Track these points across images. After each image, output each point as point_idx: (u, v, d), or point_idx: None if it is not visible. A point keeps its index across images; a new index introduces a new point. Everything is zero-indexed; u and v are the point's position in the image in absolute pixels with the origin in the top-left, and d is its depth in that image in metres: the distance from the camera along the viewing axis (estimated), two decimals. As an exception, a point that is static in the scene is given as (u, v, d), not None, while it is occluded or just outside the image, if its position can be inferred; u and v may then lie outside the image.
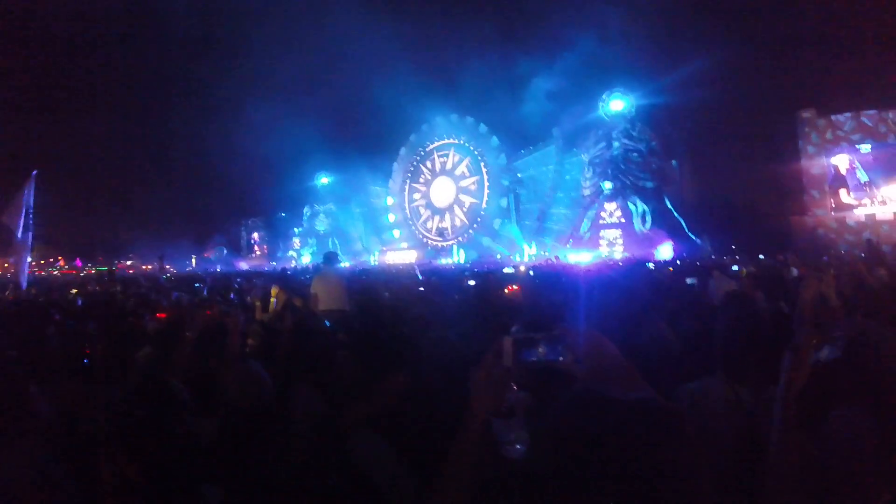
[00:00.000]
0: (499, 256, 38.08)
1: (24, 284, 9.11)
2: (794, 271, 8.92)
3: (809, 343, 1.98)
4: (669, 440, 1.00)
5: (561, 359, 1.32)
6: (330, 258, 7.97)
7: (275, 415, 2.92)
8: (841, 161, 32.46)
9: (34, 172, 9.37)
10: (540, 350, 1.34)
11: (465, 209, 47.51)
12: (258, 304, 7.10)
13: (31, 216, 9.43)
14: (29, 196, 9.33)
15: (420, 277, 11.99)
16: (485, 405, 1.38)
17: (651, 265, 16.20)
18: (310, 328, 4.60)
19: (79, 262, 62.74)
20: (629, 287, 5.33)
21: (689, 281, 9.69)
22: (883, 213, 30.22)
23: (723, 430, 2.35)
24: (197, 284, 13.79)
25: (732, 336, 2.57)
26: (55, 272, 55.53)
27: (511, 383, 1.36)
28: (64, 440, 2.59)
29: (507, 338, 1.38)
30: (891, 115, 30.66)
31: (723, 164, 35.40)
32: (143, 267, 60.85)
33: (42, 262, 61.16)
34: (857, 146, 31.92)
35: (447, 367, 2.34)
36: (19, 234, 9.37)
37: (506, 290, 7.25)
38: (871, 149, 31.68)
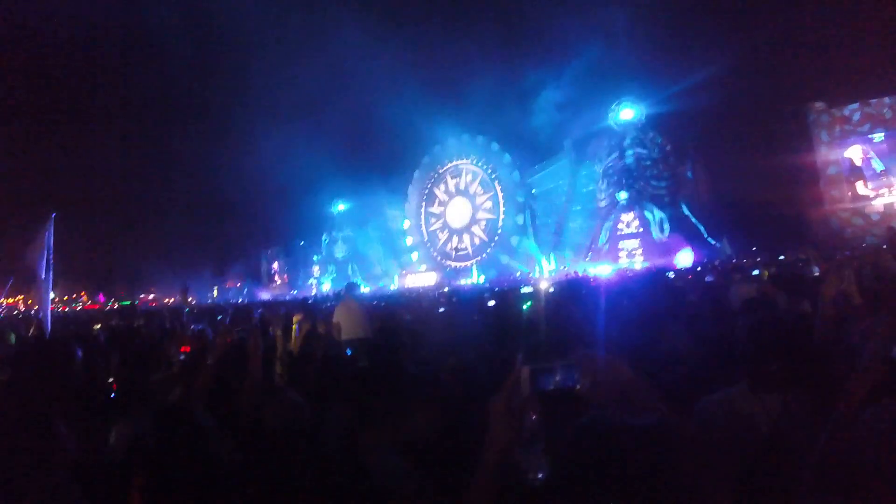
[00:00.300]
0: (518, 273, 37.97)
1: (49, 327, 9.21)
2: (816, 270, 8.84)
3: (876, 360, 1.99)
4: (680, 463, 1.03)
5: (578, 386, 1.35)
6: (351, 287, 8.05)
7: (310, 440, 2.97)
8: (855, 152, 32.10)
9: (53, 214, 9.55)
10: (556, 378, 1.37)
11: (482, 228, 47.52)
12: (279, 333, 7.13)
13: (51, 257, 9.61)
14: (49, 237, 9.51)
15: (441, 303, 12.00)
16: (504, 434, 1.41)
17: (671, 274, 16.15)
18: (336, 356, 4.68)
19: (101, 297, 63.32)
20: (647, 299, 5.35)
21: (707, 279, 9.65)
22: (901, 202, 29.83)
23: (746, 441, 2.35)
24: (219, 316, 13.89)
25: (753, 345, 2.57)
26: (78, 307, 56.04)
27: (530, 412, 1.39)
28: (92, 475, 2.64)
29: (525, 367, 1.41)
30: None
31: (736, 165, 35.21)
32: (166, 299, 61.35)
33: (65, 297, 61.76)
34: (869, 136, 31.61)
35: (468, 394, 2.38)
36: (42, 275, 9.53)
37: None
38: (885, 137, 31.37)
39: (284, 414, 3.24)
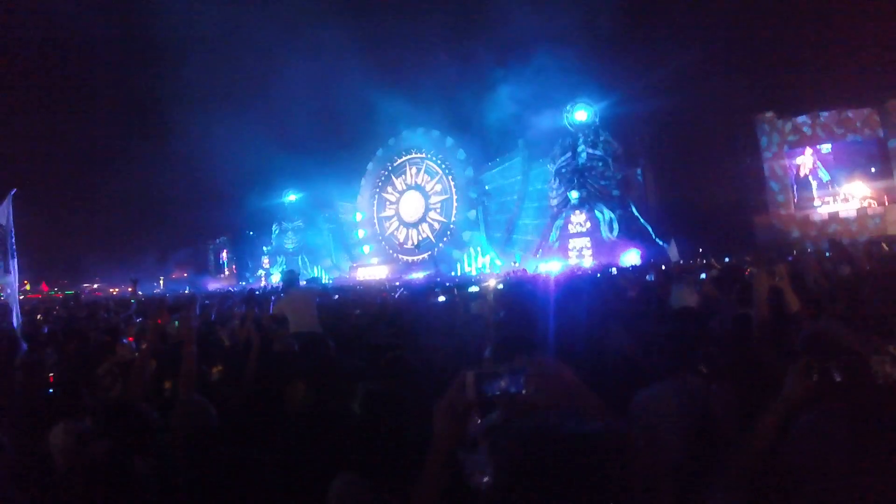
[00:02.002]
0: (468, 269, 38.24)
1: (16, 322, 8.38)
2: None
3: (811, 365, 2.02)
4: (624, 470, 1.02)
5: (523, 392, 1.34)
6: (292, 278, 7.83)
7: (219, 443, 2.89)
8: (803, 161, 33.19)
9: (13, 191, 8.56)
10: (502, 383, 1.36)
11: (434, 222, 47.63)
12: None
13: (13, 240, 8.62)
14: (7, 217, 8.49)
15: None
16: (448, 438, 1.42)
17: (614, 270, 16.51)
18: (275, 352, 4.58)
19: (44, 286, 61.42)
20: (592, 297, 5.42)
21: (648, 277, 9.86)
22: (846, 211, 30.90)
23: (677, 431, 2.42)
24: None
25: (678, 348, 2.67)
26: (21, 297, 54.16)
27: (474, 415, 1.40)
28: (33, 478, 2.55)
29: (469, 372, 1.40)
30: (850, 114, 31.38)
31: (686, 169, 35.97)
32: (111, 290, 59.86)
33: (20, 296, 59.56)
34: (817, 146, 32.65)
35: (417, 396, 2.37)
36: (6, 264, 8.64)
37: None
38: (832, 148, 32.45)
39: (191, 419, 3.18)
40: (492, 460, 1.25)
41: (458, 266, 41.17)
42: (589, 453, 1.02)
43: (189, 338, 3.57)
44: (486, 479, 1.28)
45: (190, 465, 2.62)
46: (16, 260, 8.64)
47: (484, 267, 38.64)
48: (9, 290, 8.97)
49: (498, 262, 37.94)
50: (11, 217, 8.44)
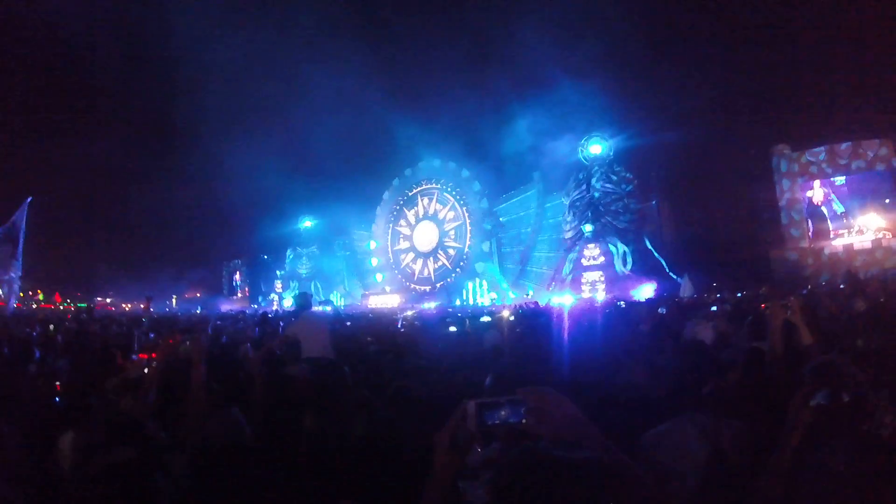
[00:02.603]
0: (480, 301, 38.09)
1: (11, 309, 8.72)
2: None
3: (811, 393, 2.04)
4: (615, 499, 1.04)
5: (524, 422, 1.35)
6: (305, 301, 7.81)
7: (251, 458, 2.90)
8: (816, 193, 33.01)
9: (29, 199, 9.00)
10: (502, 413, 1.37)
11: (448, 253, 47.64)
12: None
13: (21, 242, 9.07)
14: (21, 221, 9.01)
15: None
16: (448, 468, 1.42)
17: (622, 303, 16.43)
18: (286, 376, 4.58)
19: (58, 297, 61.73)
20: (604, 331, 5.43)
21: (660, 310, 9.80)
22: (860, 243, 30.51)
23: (688, 469, 2.41)
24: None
25: (688, 381, 2.66)
26: (34, 305, 54.51)
27: (475, 446, 1.40)
28: (39, 485, 2.57)
29: (471, 402, 1.41)
30: (863, 145, 31.23)
31: (701, 202, 35.93)
32: (123, 305, 60.05)
33: (21, 294, 59.94)
34: (831, 179, 32.47)
35: (420, 426, 2.39)
36: (13, 261, 9.06)
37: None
38: (846, 180, 32.25)
39: (225, 431, 3.15)
40: (490, 488, 1.28)
41: (466, 295, 41.03)
42: (584, 481, 1.04)
43: (199, 358, 3.58)
44: None
45: (213, 479, 2.64)
46: (20, 261, 9.07)
47: (493, 299, 38.44)
48: (14, 286, 9.25)
49: (511, 295, 37.75)
50: (24, 222, 8.87)
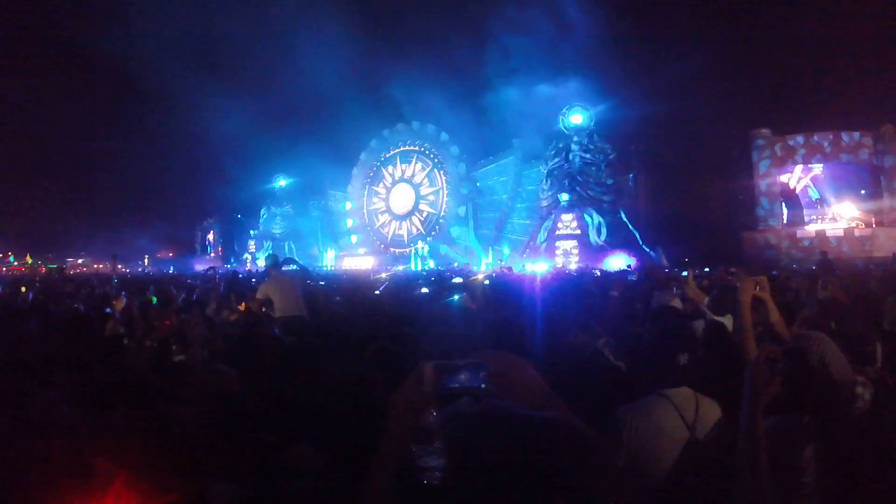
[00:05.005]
0: (456, 264, 38.15)
1: None
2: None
3: (774, 357, 1.98)
4: (577, 461, 0.99)
5: (483, 386, 1.30)
6: (277, 261, 7.74)
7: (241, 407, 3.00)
8: (793, 179, 33.45)
9: None
10: (461, 376, 1.32)
11: (423, 216, 47.59)
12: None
13: None
14: None
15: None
16: (401, 431, 1.36)
17: (597, 272, 16.62)
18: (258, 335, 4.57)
19: (28, 259, 61.04)
20: (574, 299, 5.39)
21: (629, 277, 9.86)
22: (833, 230, 31.09)
23: (664, 448, 2.35)
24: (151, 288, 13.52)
25: (661, 350, 2.58)
26: (3, 269, 53.87)
27: (430, 408, 1.34)
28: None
29: (428, 364, 1.36)
30: (843, 135, 31.62)
31: (678, 180, 36.12)
32: (95, 266, 59.46)
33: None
34: (809, 165, 32.91)
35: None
36: None
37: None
38: (824, 168, 32.79)
39: (218, 383, 3.40)
40: (443, 444, 1.22)
41: (449, 261, 41.13)
42: (538, 439, 1.00)
43: (196, 341, 3.95)
44: (439, 473, 1.24)
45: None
46: None
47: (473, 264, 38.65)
48: None
49: (488, 260, 37.91)
50: None
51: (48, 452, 2.47)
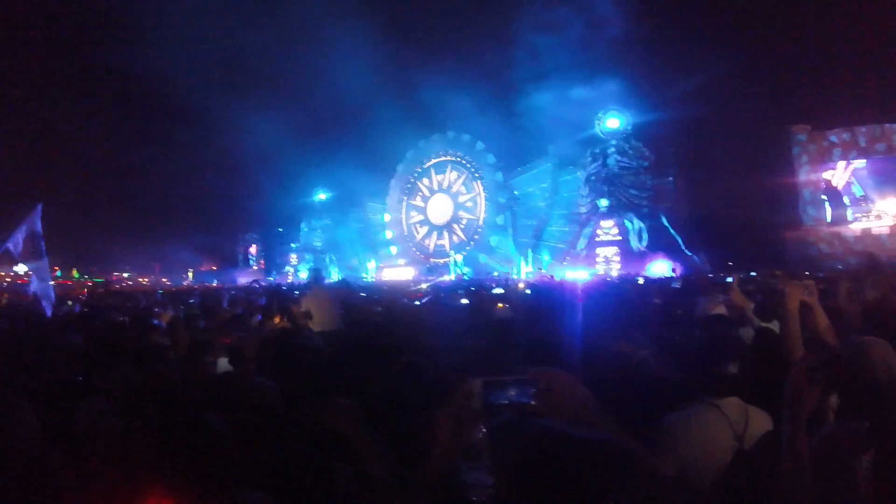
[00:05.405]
0: (496, 273, 38.02)
1: (50, 312, 9.28)
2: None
3: (814, 366, 1.95)
4: (631, 484, 0.98)
5: (532, 402, 1.29)
6: (319, 275, 7.83)
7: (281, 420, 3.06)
8: (835, 176, 32.60)
9: (40, 205, 9.70)
10: (510, 392, 1.31)
11: (462, 226, 47.56)
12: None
13: (42, 243, 9.67)
14: (37, 225, 9.58)
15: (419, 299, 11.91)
16: (450, 447, 1.36)
17: (640, 280, 16.39)
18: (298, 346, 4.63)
19: (75, 273, 62.58)
20: (619, 307, 5.35)
21: (673, 285, 9.71)
22: (879, 228, 30.19)
23: (713, 457, 2.32)
24: (191, 300, 13.78)
25: (710, 359, 2.54)
26: (51, 282, 55.07)
27: (479, 425, 1.33)
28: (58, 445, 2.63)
29: (476, 379, 1.34)
30: (885, 128, 30.71)
31: (718, 181, 35.60)
32: (140, 279, 60.70)
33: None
34: (851, 161, 32.04)
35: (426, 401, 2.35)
36: (37, 262, 9.65)
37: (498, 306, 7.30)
38: (867, 163, 31.86)
39: (257, 396, 3.50)
40: (494, 461, 1.21)
41: (488, 271, 40.97)
42: (592, 460, 0.99)
43: (250, 356, 4.12)
44: (487, 491, 1.23)
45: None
46: (46, 260, 9.58)
47: (504, 272, 38.44)
48: (49, 285, 9.70)
49: (528, 269, 37.71)
50: (39, 225, 9.38)
51: (96, 460, 2.56)
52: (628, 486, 0.98)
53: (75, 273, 62.55)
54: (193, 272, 63.81)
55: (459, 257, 42.73)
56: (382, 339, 4.04)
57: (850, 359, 2.19)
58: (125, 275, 65.45)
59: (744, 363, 2.51)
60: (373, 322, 7.27)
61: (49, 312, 8.94)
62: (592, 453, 0.99)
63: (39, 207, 9.52)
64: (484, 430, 1.30)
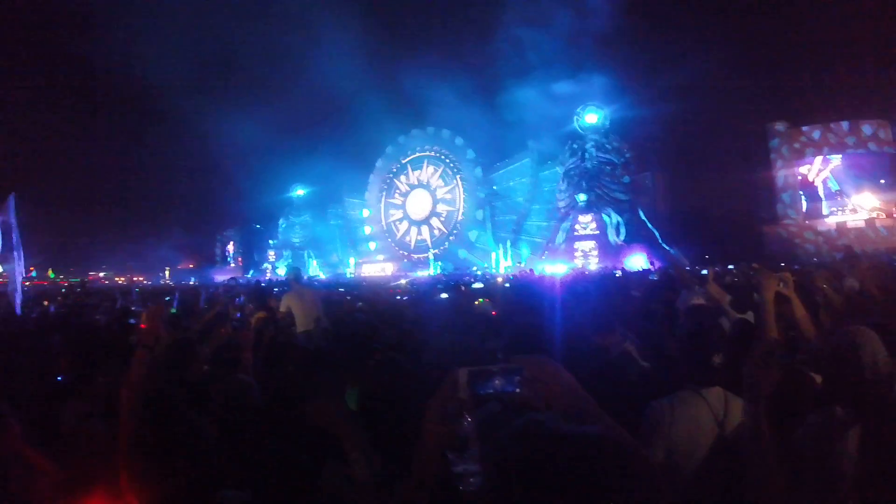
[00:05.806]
0: (475, 268, 38.08)
1: (18, 310, 8.85)
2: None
3: (770, 350, 1.99)
4: (619, 476, 0.97)
5: (518, 391, 1.29)
6: (298, 274, 7.75)
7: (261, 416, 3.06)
8: (812, 171, 33.05)
9: (12, 196, 9.16)
10: (496, 382, 1.31)
11: (441, 221, 47.59)
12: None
13: (16, 235, 9.19)
14: (10, 215, 9.08)
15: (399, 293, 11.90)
16: (437, 438, 1.35)
17: (618, 273, 16.51)
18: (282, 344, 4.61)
19: (51, 273, 61.71)
20: (599, 300, 5.37)
21: (650, 277, 9.78)
22: (854, 221, 30.72)
23: (697, 441, 2.35)
24: (167, 297, 13.62)
25: (691, 348, 2.57)
26: (27, 283, 54.35)
27: (465, 416, 1.32)
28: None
29: (462, 369, 1.33)
30: (861, 125, 31.23)
31: (696, 176, 35.94)
32: (117, 278, 60.01)
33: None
34: (827, 157, 32.50)
35: (409, 395, 2.35)
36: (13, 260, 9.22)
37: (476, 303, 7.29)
38: (842, 158, 32.36)
39: (235, 393, 3.47)
40: (482, 453, 1.20)
41: (467, 265, 41.05)
42: (584, 456, 0.98)
43: (248, 347, 4.08)
44: (474, 481, 1.22)
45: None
46: (20, 252, 9.11)
47: (492, 267, 38.50)
48: (17, 279, 9.29)
49: (507, 263, 37.83)
50: (13, 215, 8.93)
51: (82, 463, 2.53)
52: (625, 484, 0.97)
53: (51, 273, 61.63)
54: (171, 270, 63.17)
55: (433, 254, 42.82)
56: (366, 336, 4.02)
57: (838, 346, 2.22)
58: (102, 274, 64.67)
59: (726, 354, 2.54)
60: (355, 319, 7.22)
61: (18, 310, 8.68)
62: (582, 448, 0.98)
63: (12, 198, 9.14)
64: (470, 420, 1.30)
